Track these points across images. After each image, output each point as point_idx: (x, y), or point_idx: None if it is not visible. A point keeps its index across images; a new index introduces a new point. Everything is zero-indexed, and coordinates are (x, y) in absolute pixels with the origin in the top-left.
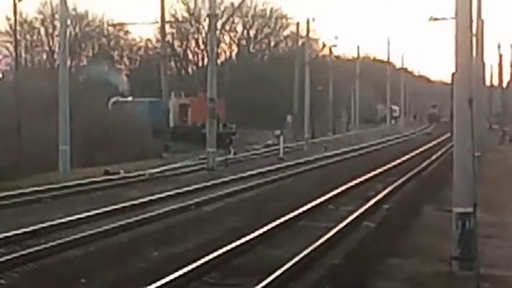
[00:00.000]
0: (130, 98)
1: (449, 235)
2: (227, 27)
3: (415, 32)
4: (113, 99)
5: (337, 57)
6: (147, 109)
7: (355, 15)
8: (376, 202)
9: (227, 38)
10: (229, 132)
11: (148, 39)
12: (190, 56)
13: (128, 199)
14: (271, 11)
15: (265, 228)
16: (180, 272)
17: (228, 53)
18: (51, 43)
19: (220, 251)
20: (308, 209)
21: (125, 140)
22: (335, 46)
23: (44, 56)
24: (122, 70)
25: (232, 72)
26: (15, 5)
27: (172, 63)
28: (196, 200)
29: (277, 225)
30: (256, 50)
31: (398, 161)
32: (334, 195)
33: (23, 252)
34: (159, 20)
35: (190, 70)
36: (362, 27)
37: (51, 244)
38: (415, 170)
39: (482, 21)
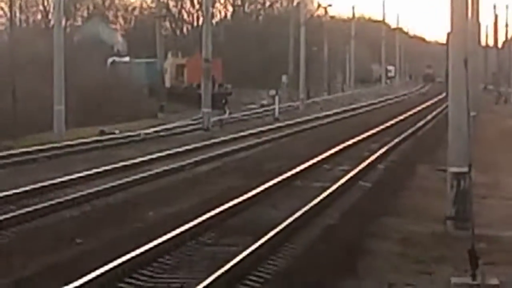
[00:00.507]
0: (127, 59)
1: (444, 195)
2: None
3: None
4: (111, 59)
5: (332, 17)
6: (144, 69)
7: None
8: (371, 162)
9: None
10: (225, 92)
11: None
12: (185, 16)
13: (122, 159)
14: None
15: (261, 188)
16: (176, 231)
17: (223, 13)
18: (45, 3)
19: (215, 211)
20: (304, 169)
21: (120, 100)
22: (330, 6)
23: (39, 16)
24: (117, 30)
25: (227, 32)
26: None
27: (167, 23)
28: (192, 160)
29: (273, 185)
30: (251, 10)
31: (393, 121)
32: (330, 155)
33: (19, 212)
34: None
35: (185, 30)
36: None
37: (47, 203)
38: (410, 130)
39: None
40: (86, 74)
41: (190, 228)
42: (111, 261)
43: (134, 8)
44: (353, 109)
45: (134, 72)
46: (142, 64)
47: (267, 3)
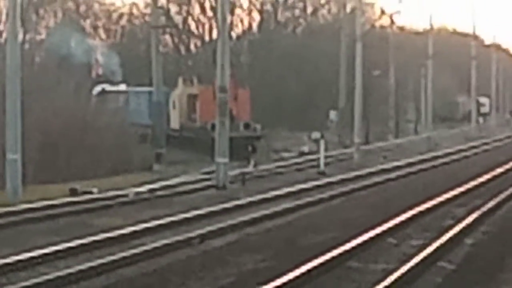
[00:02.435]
0: (123, 87)
1: None
2: None
3: None
4: (99, 87)
5: (401, 28)
6: (146, 103)
7: None
8: (455, 235)
9: (245, 1)
10: (252, 136)
11: (134, 3)
12: (193, 26)
13: (104, 229)
14: None
15: (298, 271)
16: None
17: (246, 23)
18: None
19: None
20: (360, 244)
21: (101, 146)
22: (398, 13)
23: None
24: (97, 47)
25: (252, 49)
26: None
27: (168, 37)
28: (201, 230)
29: (315, 267)
30: (286, 18)
31: (487, 176)
32: (397, 224)
33: None
34: None
35: (192, 46)
36: None
37: None
38: (511, 190)
39: None
40: (53, 109)
41: None
42: None
43: (121, 16)
44: (431, 159)
45: (133, 105)
46: (143, 95)
47: (309, 9)
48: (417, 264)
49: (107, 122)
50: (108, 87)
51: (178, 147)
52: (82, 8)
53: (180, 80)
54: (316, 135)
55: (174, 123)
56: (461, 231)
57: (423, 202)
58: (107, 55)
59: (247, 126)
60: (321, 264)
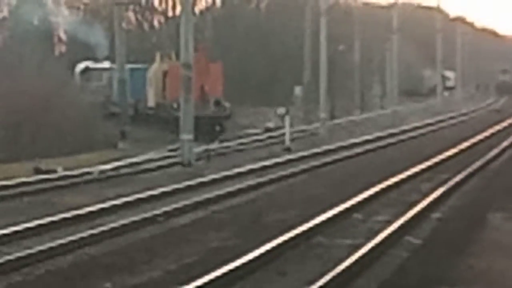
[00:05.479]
0: (106, 64)
1: None
2: None
3: None
4: (82, 65)
5: (366, 3)
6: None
7: None
8: (422, 210)
9: None
10: (221, 116)
11: None
12: (156, 2)
13: (69, 208)
14: None
15: (263, 249)
16: None
17: None
18: None
19: (197, 283)
20: (326, 220)
21: (67, 124)
22: None
23: None
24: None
25: (216, 25)
26: None
27: (131, 14)
28: (165, 208)
29: (280, 244)
30: None
31: (454, 150)
32: (363, 200)
33: None
34: None
35: (156, 23)
36: None
37: None
38: (478, 164)
39: None
40: (18, 82)
41: None
42: None
43: None
44: (397, 134)
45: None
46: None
47: None
48: (384, 239)
49: (71, 100)
50: (91, 65)
51: (155, 126)
52: None
53: (158, 56)
54: (281, 110)
55: (151, 101)
56: (427, 206)
57: (390, 176)
58: (90, 29)
59: (217, 103)
60: (286, 241)
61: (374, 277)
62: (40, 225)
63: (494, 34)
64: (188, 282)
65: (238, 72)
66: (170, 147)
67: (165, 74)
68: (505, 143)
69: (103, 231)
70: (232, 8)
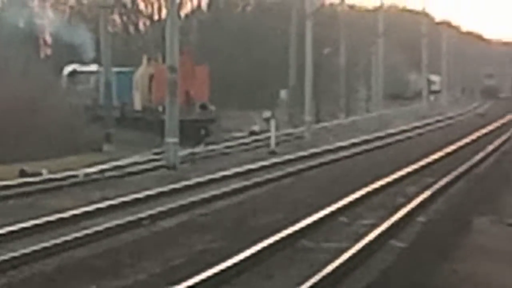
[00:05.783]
0: (93, 67)
1: None
2: None
3: None
4: (69, 67)
5: (351, 6)
6: (114, 82)
7: None
8: (407, 213)
9: None
10: (206, 119)
11: None
12: (142, 5)
13: (54, 211)
14: None
15: (248, 252)
16: None
17: (196, 2)
18: None
19: (183, 286)
20: (311, 224)
21: (52, 127)
22: None
23: None
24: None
25: (202, 29)
26: None
27: (116, 17)
28: (151, 211)
29: (265, 247)
30: None
31: (440, 154)
32: (348, 204)
33: None
34: None
35: (141, 26)
36: None
37: None
38: (463, 167)
39: None
40: (3, 84)
41: None
42: None
43: None
44: (382, 137)
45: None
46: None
47: None
48: (369, 243)
49: (57, 103)
50: (79, 67)
51: (141, 129)
52: None
53: (144, 59)
54: (266, 114)
55: (137, 104)
56: (413, 210)
57: (376, 180)
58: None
59: (203, 107)
60: (271, 244)
61: (359, 281)
62: (25, 228)
63: (479, 38)
64: (173, 285)
65: (224, 76)
66: (155, 150)
67: (151, 77)
68: (490, 147)
69: (88, 234)
70: (218, 12)
